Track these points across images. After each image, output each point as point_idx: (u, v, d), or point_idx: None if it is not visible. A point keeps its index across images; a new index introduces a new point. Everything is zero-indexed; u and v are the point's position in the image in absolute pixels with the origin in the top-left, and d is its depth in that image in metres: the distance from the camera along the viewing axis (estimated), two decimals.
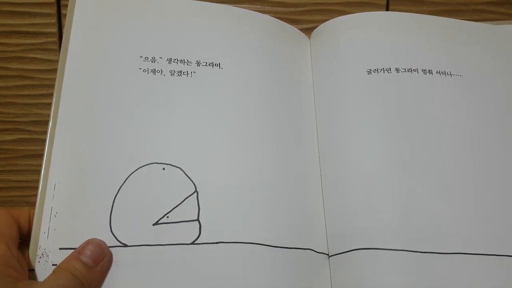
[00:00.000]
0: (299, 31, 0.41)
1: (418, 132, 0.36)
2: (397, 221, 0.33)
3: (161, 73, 0.36)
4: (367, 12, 0.40)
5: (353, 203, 0.34)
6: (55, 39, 0.49)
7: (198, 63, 0.37)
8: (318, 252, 0.34)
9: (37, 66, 0.50)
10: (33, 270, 0.30)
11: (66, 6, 0.37)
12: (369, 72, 0.38)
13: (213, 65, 0.37)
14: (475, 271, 0.32)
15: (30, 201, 0.51)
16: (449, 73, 0.38)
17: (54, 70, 0.34)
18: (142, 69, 0.36)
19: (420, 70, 0.38)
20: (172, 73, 0.36)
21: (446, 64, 0.39)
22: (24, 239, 0.32)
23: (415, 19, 0.40)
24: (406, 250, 0.32)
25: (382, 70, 0.38)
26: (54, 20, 0.49)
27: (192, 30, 0.38)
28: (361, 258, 0.33)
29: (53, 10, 0.49)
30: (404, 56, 0.38)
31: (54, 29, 0.49)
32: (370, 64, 0.38)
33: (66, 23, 0.36)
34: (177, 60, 0.36)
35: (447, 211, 0.34)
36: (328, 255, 0.35)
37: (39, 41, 0.49)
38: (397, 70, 0.38)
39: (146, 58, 0.36)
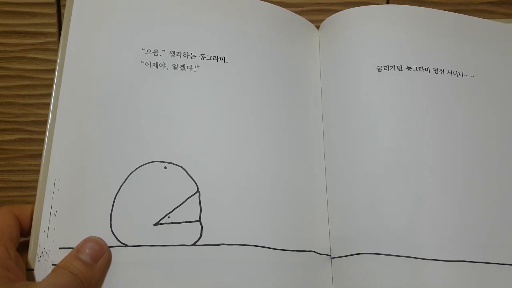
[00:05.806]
0: (308, 21, 0.40)
1: (427, 134, 0.35)
2: (402, 226, 0.33)
3: (164, 66, 0.35)
4: (379, 5, 0.39)
5: (358, 206, 0.34)
6: (55, 39, 0.49)
7: (202, 57, 0.35)
8: (320, 254, 0.34)
9: (37, 66, 0.50)
10: (33, 270, 0.30)
11: None
12: (380, 69, 0.36)
13: (217, 59, 0.36)
14: (478, 280, 0.32)
15: (30, 201, 0.50)
16: (460, 73, 0.37)
17: (54, 70, 0.34)
18: (144, 63, 0.34)
19: (431, 69, 0.37)
20: (175, 67, 0.35)
21: (458, 64, 0.38)
22: (26, 237, 0.31)
23: (429, 14, 0.39)
24: (410, 257, 0.32)
25: (393, 67, 0.36)
26: (54, 20, 0.49)
27: (197, 21, 0.36)
28: (365, 262, 0.32)
29: (53, 10, 0.49)
30: (416, 53, 0.37)
31: (54, 29, 0.49)
32: (380, 61, 0.37)
33: (65, 13, 0.35)
34: (181, 53, 0.35)
35: (452, 217, 0.33)
36: (330, 256, 0.34)
37: (39, 41, 0.49)
38: (408, 68, 0.36)
39: (149, 51, 0.35)
